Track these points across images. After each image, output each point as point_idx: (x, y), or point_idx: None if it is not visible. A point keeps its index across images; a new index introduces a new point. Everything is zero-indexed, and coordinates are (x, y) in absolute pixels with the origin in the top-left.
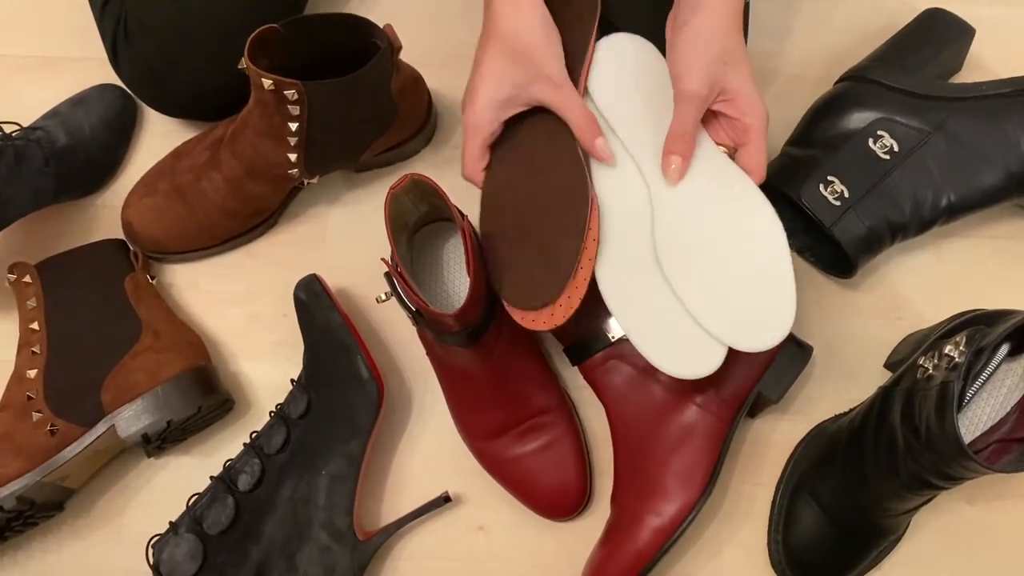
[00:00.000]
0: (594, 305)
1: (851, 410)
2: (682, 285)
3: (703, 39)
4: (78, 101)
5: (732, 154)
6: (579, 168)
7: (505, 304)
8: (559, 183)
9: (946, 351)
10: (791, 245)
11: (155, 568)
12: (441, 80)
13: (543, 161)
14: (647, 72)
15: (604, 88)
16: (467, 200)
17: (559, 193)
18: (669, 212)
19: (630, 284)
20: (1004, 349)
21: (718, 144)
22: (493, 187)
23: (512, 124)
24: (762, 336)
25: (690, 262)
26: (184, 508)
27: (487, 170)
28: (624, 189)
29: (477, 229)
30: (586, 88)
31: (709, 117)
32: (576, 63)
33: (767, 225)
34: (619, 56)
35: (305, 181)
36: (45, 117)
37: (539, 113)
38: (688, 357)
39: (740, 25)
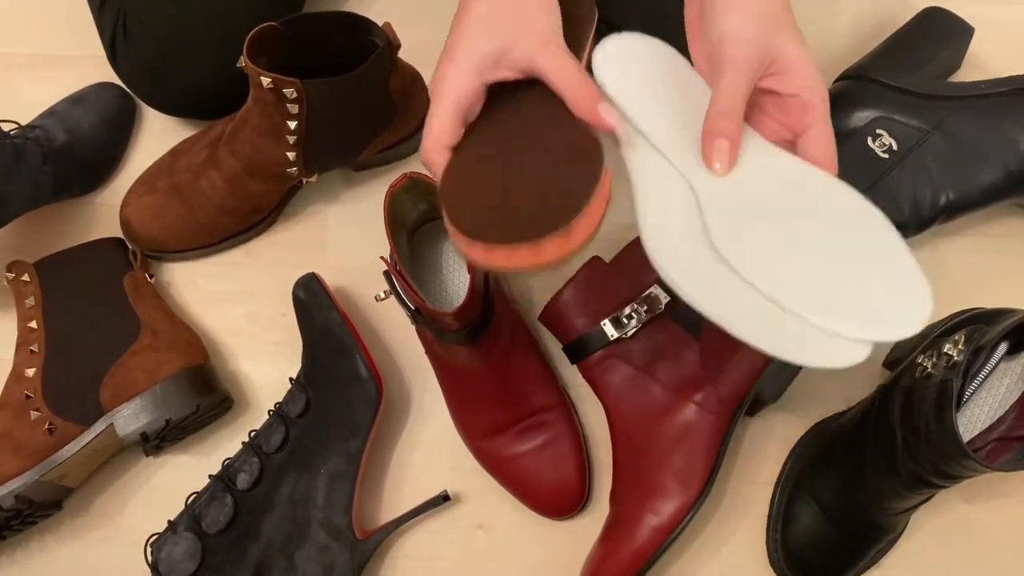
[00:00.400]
0: (592, 303)
1: (850, 409)
2: (762, 277)
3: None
4: (77, 99)
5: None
6: (585, 131)
7: (476, 246)
8: (555, 146)
9: (945, 350)
10: None
11: (154, 567)
12: None
13: (533, 129)
14: (667, 69)
15: (620, 87)
16: None
17: (555, 157)
18: (719, 202)
19: (718, 294)
20: (1003, 348)
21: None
22: (461, 169)
23: (494, 106)
24: (890, 323)
25: (762, 250)
26: (183, 507)
27: (454, 152)
28: (662, 190)
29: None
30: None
31: (750, 105)
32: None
33: (859, 208)
34: (632, 53)
35: (304, 180)
36: (43, 115)
37: (532, 88)
38: (826, 346)
39: None
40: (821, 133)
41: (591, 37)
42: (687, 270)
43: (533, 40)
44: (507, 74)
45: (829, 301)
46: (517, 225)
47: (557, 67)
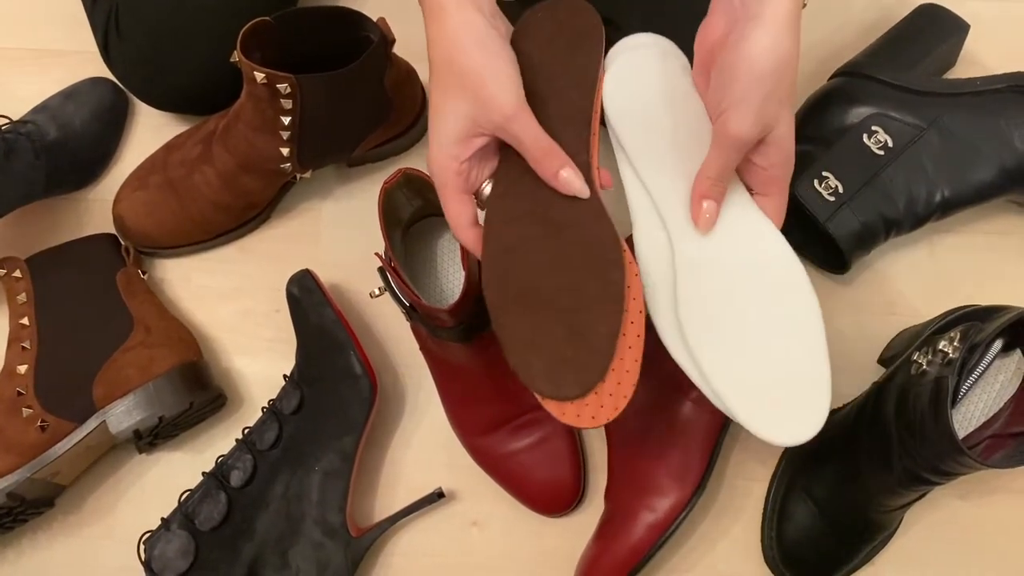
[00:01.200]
0: None
1: (845, 406)
2: (707, 359)
3: (760, 67)
4: (69, 94)
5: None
6: (602, 217)
7: (538, 397)
8: (579, 238)
9: (940, 347)
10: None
11: (147, 565)
12: None
13: (554, 211)
14: (673, 87)
15: (620, 108)
16: None
17: (581, 251)
18: (693, 271)
19: (677, 347)
20: (998, 345)
21: None
22: (494, 247)
23: (508, 166)
24: (789, 431)
25: (713, 334)
26: (176, 504)
27: (485, 225)
28: (644, 240)
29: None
30: (601, 109)
31: None
32: (586, 86)
33: (803, 301)
34: (638, 65)
35: (298, 175)
36: (35, 111)
37: None
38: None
39: (798, 40)
40: (779, 200)
41: (601, 52)
42: (659, 311)
43: (486, 116)
44: (482, 140)
45: (742, 399)
46: (552, 381)
47: (514, 138)
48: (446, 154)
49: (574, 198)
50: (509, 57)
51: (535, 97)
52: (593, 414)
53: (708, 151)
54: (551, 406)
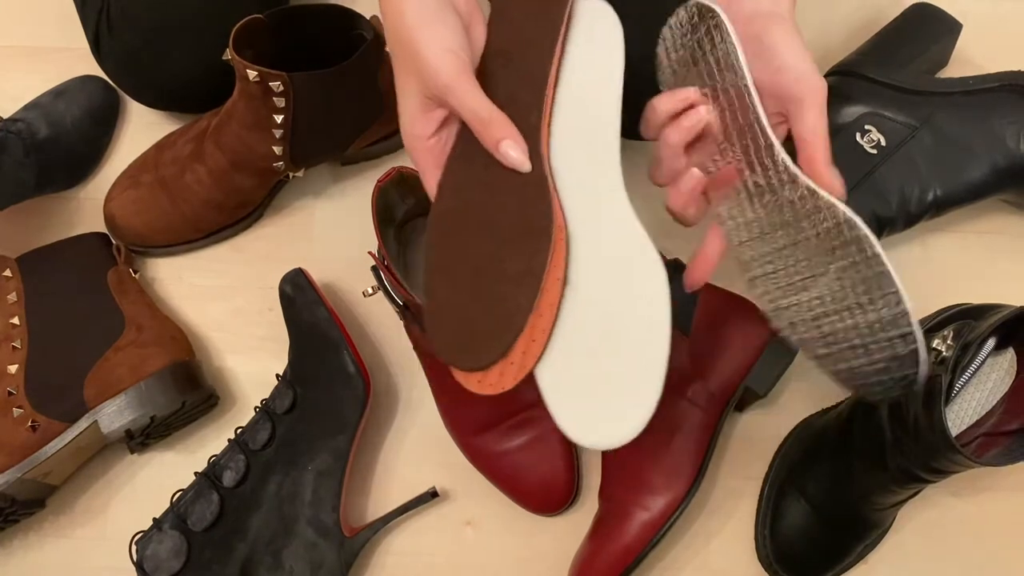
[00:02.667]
0: None
1: (838, 404)
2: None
3: (796, 30)
4: (60, 92)
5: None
6: (541, 185)
7: (444, 362)
8: (517, 206)
9: (934, 345)
10: None
11: (139, 565)
12: None
13: (499, 179)
14: (607, 62)
15: (573, 80)
16: None
17: (516, 219)
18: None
19: None
20: (991, 343)
21: None
22: (441, 210)
23: (466, 130)
24: (600, 429)
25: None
26: (168, 505)
27: (437, 189)
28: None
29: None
30: (556, 82)
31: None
32: (544, 47)
33: (653, 294)
34: (593, 30)
35: (291, 174)
36: (26, 108)
37: None
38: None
39: None
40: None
41: (557, 47)
42: None
43: (429, 89)
44: (442, 113)
45: (561, 399)
46: (468, 349)
47: (459, 104)
48: (411, 134)
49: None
50: (449, 22)
51: (500, 58)
52: (493, 382)
53: (811, 117)
54: (456, 374)
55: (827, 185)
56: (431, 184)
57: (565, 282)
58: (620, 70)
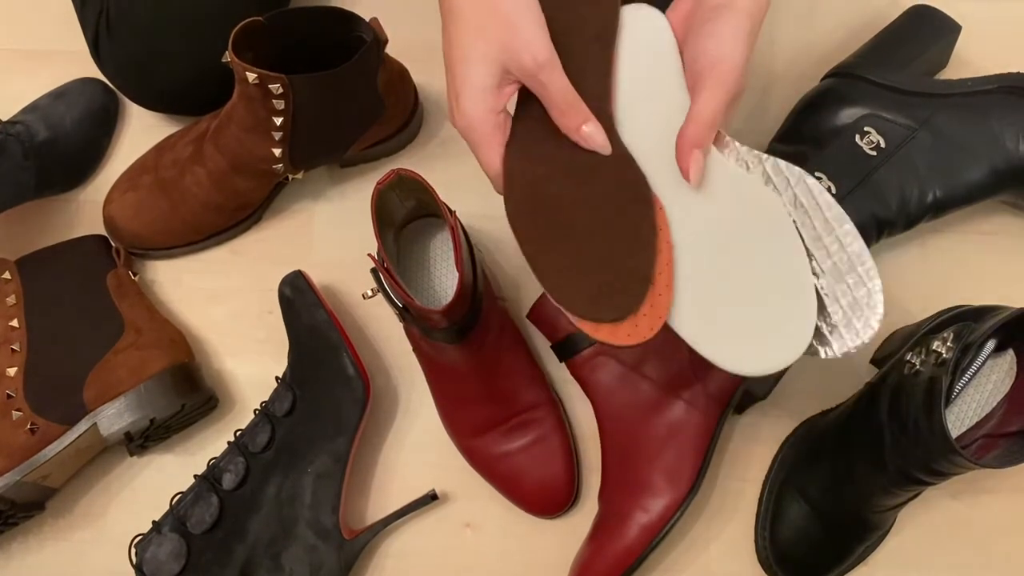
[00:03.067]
0: None
1: (838, 406)
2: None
3: (744, 23)
4: (59, 95)
5: None
6: (628, 161)
7: (572, 318)
8: (607, 179)
9: (933, 347)
10: None
11: (138, 568)
12: (427, 74)
13: (577, 158)
14: (663, 55)
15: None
16: (455, 196)
17: (610, 190)
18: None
19: None
20: (990, 345)
21: None
22: (521, 182)
23: (526, 117)
24: (767, 354)
25: (699, 282)
26: (167, 507)
27: (505, 164)
28: None
29: (510, 229)
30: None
31: None
32: (606, 38)
33: (784, 234)
34: (636, 33)
35: (290, 176)
36: (25, 111)
37: None
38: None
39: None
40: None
41: (616, 34)
42: None
43: (515, 62)
44: (514, 89)
45: (716, 335)
46: (595, 304)
47: (542, 87)
48: (483, 107)
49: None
50: (538, 5)
51: (557, 48)
52: (628, 333)
53: (698, 99)
54: (586, 326)
55: (682, 165)
56: (495, 161)
57: (672, 244)
58: (671, 50)
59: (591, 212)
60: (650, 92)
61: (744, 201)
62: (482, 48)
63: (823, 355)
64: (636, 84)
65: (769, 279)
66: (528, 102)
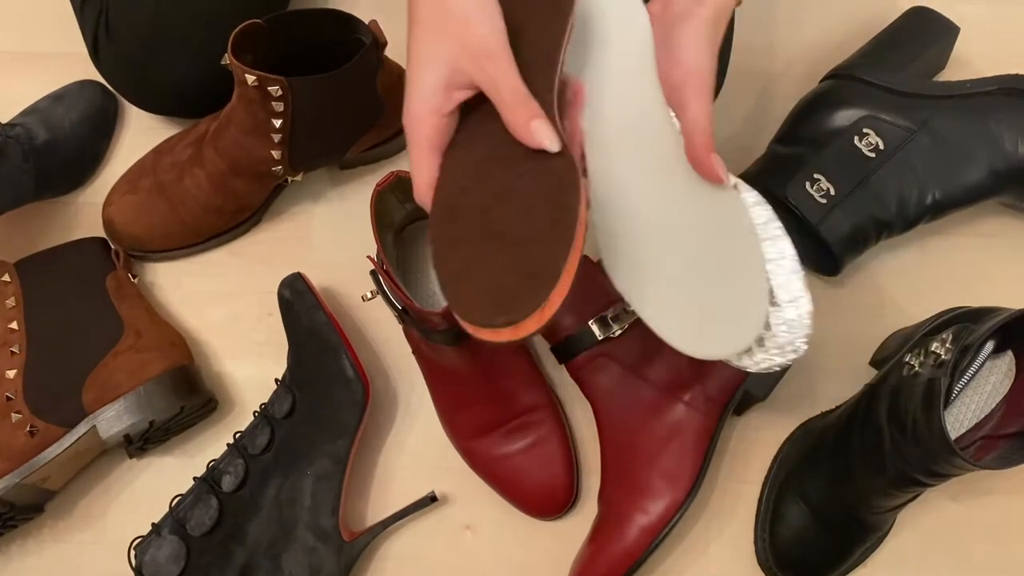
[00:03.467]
0: (580, 302)
1: (837, 407)
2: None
3: (710, 32)
4: (58, 97)
5: None
6: (565, 159)
7: (462, 322)
8: (535, 168)
9: (932, 348)
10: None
11: (137, 570)
12: None
13: (513, 151)
14: (639, 45)
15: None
16: None
17: (536, 179)
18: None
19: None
20: (989, 346)
21: None
22: (447, 190)
23: (469, 118)
24: (724, 338)
25: (645, 268)
26: (167, 510)
27: (439, 172)
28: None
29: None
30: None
31: None
32: (555, 31)
33: (737, 222)
34: (616, 22)
35: (289, 178)
36: (24, 113)
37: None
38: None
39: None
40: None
41: (567, 30)
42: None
43: (468, 58)
44: (463, 95)
45: (674, 319)
46: (497, 307)
47: (490, 83)
48: (427, 107)
49: (527, 158)
50: (496, 3)
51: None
52: (512, 335)
53: (688, 111)
54: (478, 331)
55: (708, 173)
56: (424, 165)
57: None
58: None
59: (510, 205)
60: (622, 80)
61: (703, 197)
62: (435, 48)
63: (755, 359)
64: (606, 73)
65: (726, 269)
66: (473, 109)
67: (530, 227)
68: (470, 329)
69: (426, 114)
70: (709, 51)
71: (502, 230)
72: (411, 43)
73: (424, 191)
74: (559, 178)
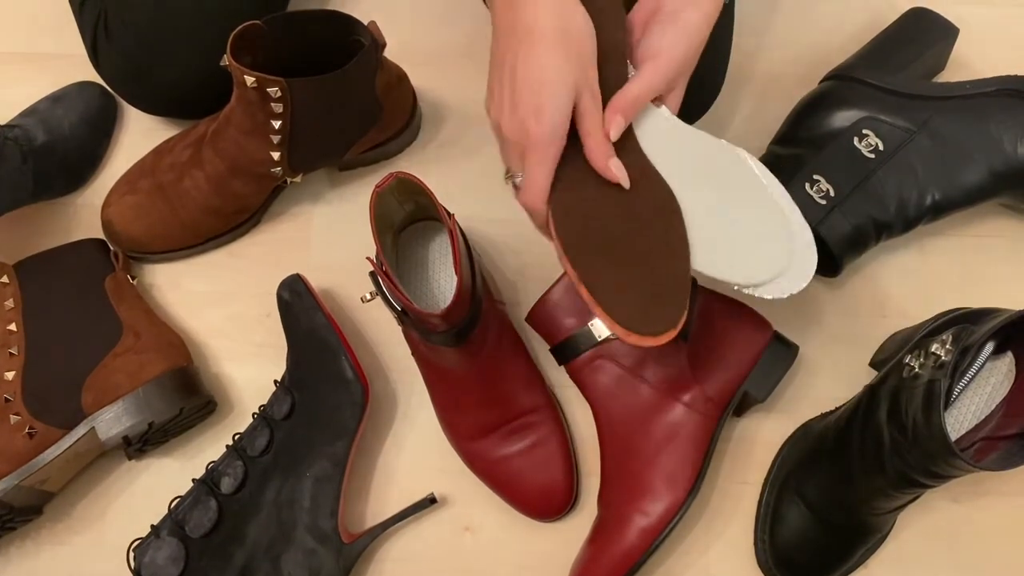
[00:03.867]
0: (580, 304)
1: (837, 409)
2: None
3: (692, 35)
4: (57, 98)
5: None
6: (652, 171)
7: (614, 327)
8: (639, 191)
9: (932, 349)
10: None
11: (136, 572)
12: (426, 78)
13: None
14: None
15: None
16: (454, 199)
17: (643, 201)
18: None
19: None
20: (989, 347)
21: None
22: (567, 208)
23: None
24: (765, 260)
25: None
26: (166, 511)
27: (552, 197)
28: None
29: (561, 251)
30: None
31: None
32: (613, 63)
33: (749, 178)
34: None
35: (288, 180)
36: (23, 115)
37: None
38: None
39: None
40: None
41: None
42: None
43: (586, 84)
44: None
45: (714, 256)
46: (652, 316)
47: (579, 117)
48: (559, 123)
49: (630, 162)
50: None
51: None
52: (661, 339)
53: (634, 80)
54: (631, 336)
55: (606, 127)
56: (547, 175)
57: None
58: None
59: (629, 224)
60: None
61: (705, 152)
62: (566, 68)
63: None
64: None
65: (746, 208)
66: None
67: (652, 242)
68: (629, 338)
69: (560, 134)
70: (679, 40)
71: (629, 245)
72: (534, 59)
73: (539, 198)
74: (662, 195)
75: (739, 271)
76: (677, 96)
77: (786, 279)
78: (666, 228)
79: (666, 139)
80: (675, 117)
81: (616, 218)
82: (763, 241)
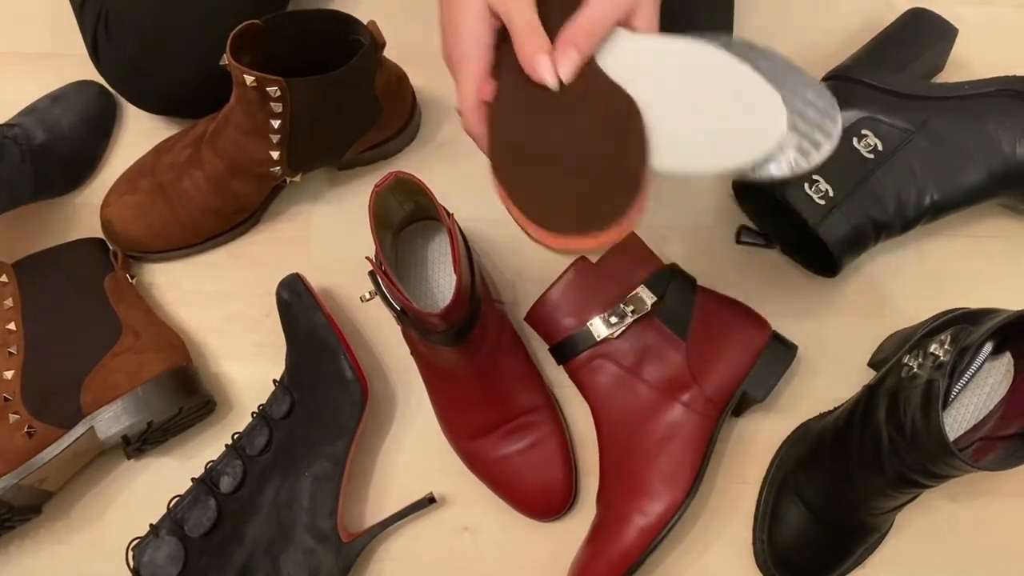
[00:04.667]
0: (579, 303)
1: (836, 408)
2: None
3: None
4: (56, 97)
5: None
6: (612, 85)
7: (541, 231)
8: (593, 102)
9: (931, 350)
10: (775, 243)
11: (135, 571)
12: (425, 78)
13: (561, 97)
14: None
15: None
16: (453, 199)
17: (595, 112)
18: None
19: None
20: (987, 347)
21: None
22: (503, 118)
23: (505, 57)
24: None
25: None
26: (165, 510)
27: (488, 109)
28: None
29: (492, 179)
30: None
31: None
32: None
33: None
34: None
35: (288, 179)
36: (22, 114)
37: None
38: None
39: None
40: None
41: None
42: None
43: None
44: (495, 23)
45: (698, 151)
46: (579, 215)
47: (505, 13)
48: (473, 34)
49: (581, 74)
50: None
51: None
52: (595, 243)
53: (584, 8)
54: (556, 240)
55: (554, 60)
56: (470, 81)
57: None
58: None
59: (576, 141)
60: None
61: (677, 57)
62: None
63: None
64: None
65: (729, 93)
66: (504, 48)
67: (600, 148)
68: (549, 239)
69: (477, 44)
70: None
71: (572, 152)
72: None
73: (472, 118)
74: (616, 101)
75: (729, 157)
76: (645, 15)
77: (793, 150)
78: (620, 133)
79: (633, 59)
80: (638, 34)
81: (557, 127)
82: (746, 118)
